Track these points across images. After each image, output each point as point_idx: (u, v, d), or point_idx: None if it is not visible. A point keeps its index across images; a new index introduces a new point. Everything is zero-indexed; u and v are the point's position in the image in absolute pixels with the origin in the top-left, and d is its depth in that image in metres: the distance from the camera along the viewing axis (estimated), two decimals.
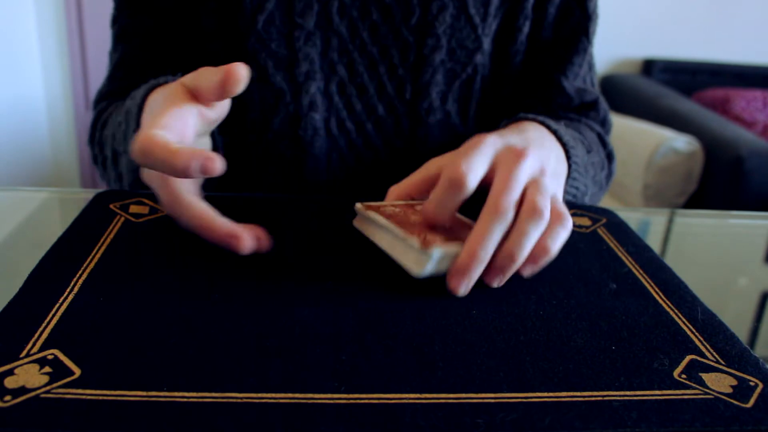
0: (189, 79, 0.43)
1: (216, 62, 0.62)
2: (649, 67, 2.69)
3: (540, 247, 0.41)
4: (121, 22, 0.63)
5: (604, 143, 0.67)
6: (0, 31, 2.03)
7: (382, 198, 0.48)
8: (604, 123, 0.70)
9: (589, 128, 0.66)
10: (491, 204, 0.40)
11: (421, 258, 0.39)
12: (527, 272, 0.42)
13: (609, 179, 0.68)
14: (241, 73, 0.40)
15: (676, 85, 2.62)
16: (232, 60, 0.60)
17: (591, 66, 0.69)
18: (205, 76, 0.41)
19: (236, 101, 0.62)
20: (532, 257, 0.41)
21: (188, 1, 0.61)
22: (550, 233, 0.41)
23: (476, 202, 0.54)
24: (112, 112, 0.60)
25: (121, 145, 0.53)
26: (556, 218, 0.42)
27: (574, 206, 0.56)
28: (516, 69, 0.65)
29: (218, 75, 0.40)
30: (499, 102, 0.66)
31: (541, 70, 0.66)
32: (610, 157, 0.67)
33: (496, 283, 0.41)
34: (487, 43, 0.63)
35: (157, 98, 0.45)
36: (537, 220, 0.40)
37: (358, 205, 0.45)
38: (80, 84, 2.33)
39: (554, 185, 0.47)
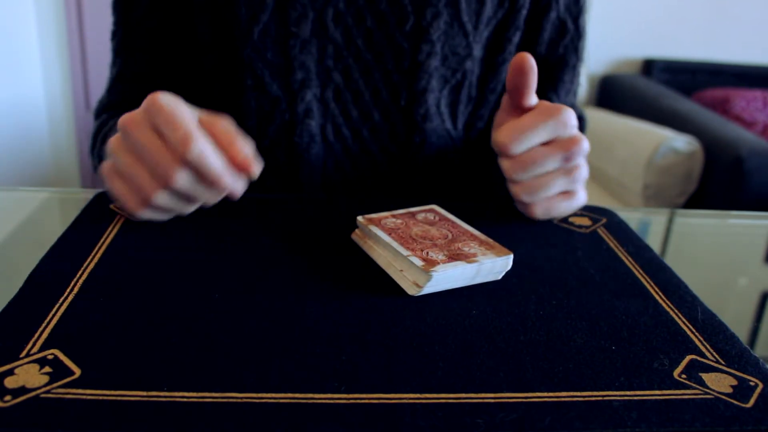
0: (205, 117, 0.44)
1: (211, 72, 0.62)
2: (649, 67, 2.69)
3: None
4: (119, 36, 0.65)
5: None
6: (0, 31, 2.03)
7: (379, 202, 0.48)
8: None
9: None
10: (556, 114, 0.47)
11: (422, 277, 0.39)
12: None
13: None
14: (253, 172, 0.43)
15: (676, 85, 2.62)
16: (228, 70, 0.61)
17: (578, 82, 0.72)
18: (220, 128, 0.43)
19: (232, 109, 0.62)
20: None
21: (183, 14, 0.62)
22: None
23: (480, 200, 0.54)
24: (112, 127, 0.61)
25: None
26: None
27: None
28: (503, 75, 0.66)
29: (231, 147, 0.42)
30: (488, 109, 0.67)
31: None
32: None
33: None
34: (477, 50, 0.64)
35: None
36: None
37: (360, 219, 0.45)
38: (80, 84, 2.33)
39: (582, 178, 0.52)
